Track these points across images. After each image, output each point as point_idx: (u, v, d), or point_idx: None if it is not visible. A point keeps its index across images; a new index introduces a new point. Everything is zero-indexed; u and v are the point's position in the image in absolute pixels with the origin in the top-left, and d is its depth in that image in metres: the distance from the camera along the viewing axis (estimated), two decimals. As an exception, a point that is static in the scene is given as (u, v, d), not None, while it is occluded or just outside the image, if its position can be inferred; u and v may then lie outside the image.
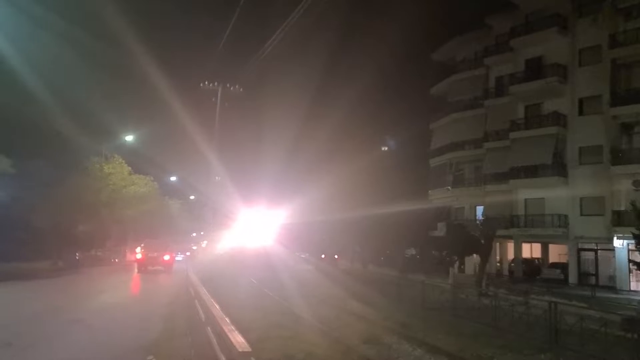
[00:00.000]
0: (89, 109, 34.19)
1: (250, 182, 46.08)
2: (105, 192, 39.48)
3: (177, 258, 38.65)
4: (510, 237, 33.22)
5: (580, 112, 30.82)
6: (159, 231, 48.69)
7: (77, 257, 34.41)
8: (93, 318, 12.15)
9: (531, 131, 32.35)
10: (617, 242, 27.57)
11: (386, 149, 44.26)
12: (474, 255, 30.27)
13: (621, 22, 29.00)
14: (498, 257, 35.65)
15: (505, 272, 34.76)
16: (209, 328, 8.37)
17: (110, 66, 45.36)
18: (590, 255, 30.23)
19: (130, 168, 43.72)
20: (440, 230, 36.81)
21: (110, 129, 39.92)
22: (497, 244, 33.04)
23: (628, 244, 26.40)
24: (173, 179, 60.48)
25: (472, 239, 28.02)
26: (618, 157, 27.97)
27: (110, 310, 14.01)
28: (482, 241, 27.16)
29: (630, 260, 25.66)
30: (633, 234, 21.85)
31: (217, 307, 9.08)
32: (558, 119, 31.36)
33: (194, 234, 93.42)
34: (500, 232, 29.44)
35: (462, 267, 34.98)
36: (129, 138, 41.72)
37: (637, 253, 22.92)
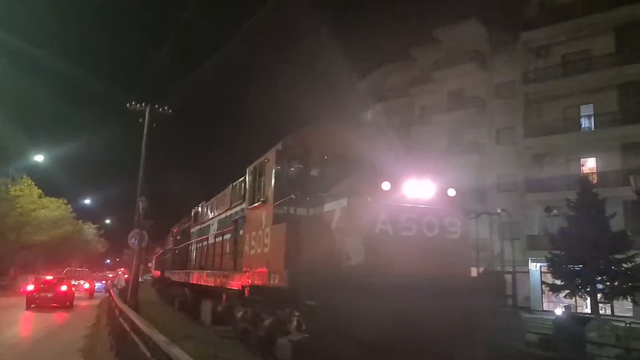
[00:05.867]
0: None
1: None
2: (12, 216, 36.76)
3: (97, 285, 37.61)
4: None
5: (497, 142, 33.26)
6: (73, 258, 45.90)
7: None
8: (5, 354, 11.27)
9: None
10: (532, 265, 29.74)
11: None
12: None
13: (532, 60, 31.99)
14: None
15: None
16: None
17: (20, 82, 42.99)
18: (507, 277, 32.10)
19: (40, 191, 40.99)
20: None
21: (20, 149, 37.68)
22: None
23: (541, 267, 28.57)
24: (87, 201, 57.54)
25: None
26: (531, 185, 30.37)
27: (24, 345, 13.11)
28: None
29: (542, 282, 27.73)
30: (546, 257, 23.80)
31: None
32: (477, 148, 33.59)
33: (108, 261, 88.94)
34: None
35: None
36: (39, 158, 39.19)
37: (549, 275, 24.93)
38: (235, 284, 10.08)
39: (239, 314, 10.05)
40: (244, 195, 10.95)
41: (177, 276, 19.46)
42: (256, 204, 9.30)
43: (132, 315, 10.06)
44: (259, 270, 8.63)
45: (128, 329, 9.42)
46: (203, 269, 14.48)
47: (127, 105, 23.90)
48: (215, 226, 14.50)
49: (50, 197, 42.99)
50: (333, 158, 8.79)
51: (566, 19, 30.11)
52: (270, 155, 9.01)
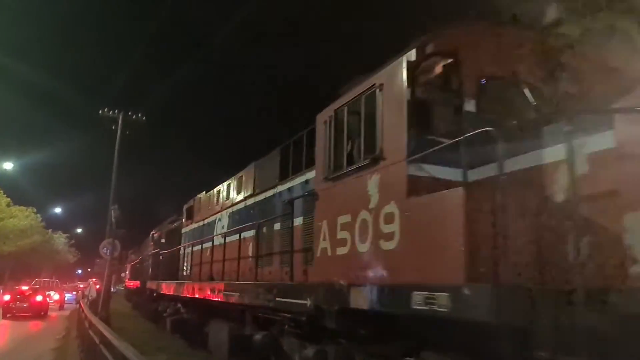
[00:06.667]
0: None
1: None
2: (-23, 226, 32.01)
3: (67, 296, 35.80)
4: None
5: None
6: (43, 268, 40.88)
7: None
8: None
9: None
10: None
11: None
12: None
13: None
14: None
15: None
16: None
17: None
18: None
19: (9, 199, 37.46)
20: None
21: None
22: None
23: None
24: (57, 210, 51.85)
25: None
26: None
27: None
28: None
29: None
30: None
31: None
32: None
33: (79, 271, 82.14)
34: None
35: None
36: (8, 166, 34.31)
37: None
38: (296, 303, 5.68)
39: (308, 353, 5.58)
40: (294, 167, 7.36)
41: (166, 288, 14.60)
42: (349, 170, 5.18)
43: (101, 327, 9.21)
44: (364, 281, 4.58)
45: (97, 342, 8.58)
46: (213, 279, 10.13)
47: (100, 112, 21.87)
48: (225, 221, 10.64)
49: (19, 206, 39.17)
50: (504, 80, 4.55)
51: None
52: (390, 75, 4.72)
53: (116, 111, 21.91)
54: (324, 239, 5.40)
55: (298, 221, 6.67)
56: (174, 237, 16.70)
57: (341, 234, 5.09)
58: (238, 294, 7.83)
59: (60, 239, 53.10)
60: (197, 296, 10.66)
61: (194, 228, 13.60)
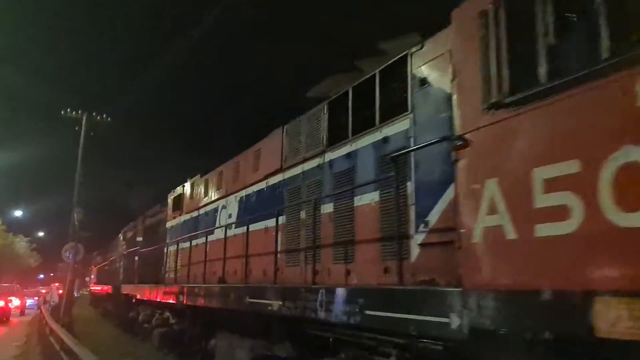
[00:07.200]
0: None
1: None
2: None
3: (28, 302, 34.80)
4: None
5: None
6: (3, 273, 38.88)
7: None
8: None
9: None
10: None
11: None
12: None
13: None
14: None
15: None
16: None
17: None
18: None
19: None
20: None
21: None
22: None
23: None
24: (18, 213, 49.43)
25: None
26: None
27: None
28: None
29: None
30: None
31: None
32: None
33: (42, 275, 78.88)
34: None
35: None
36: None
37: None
38: (421, 321, 3.30)
39: None
40: (357, 123, 5.50)
41: (150, 293, 11.87)
42: (566, 79, 2.67)
43: (62, 333, 9.25)
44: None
45: (58, 348, 8.56)
46: (224, 281, 7.89)
47: (62, 112, 21.07)
48: (233, 208, 8.63)
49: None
50: None
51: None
52: None
53: (80, 112, 21.15)
54: (491, 212, 3.04)
55: (369, 198, 4.87)
56: (155, 233, 14.76)
57: (549, 199, 2.70)
58: (280, 302, 5.31)
59: (21, 243, 50.96)
60: (199, 303, 8.12)
61: (185, 220, 11.40)
